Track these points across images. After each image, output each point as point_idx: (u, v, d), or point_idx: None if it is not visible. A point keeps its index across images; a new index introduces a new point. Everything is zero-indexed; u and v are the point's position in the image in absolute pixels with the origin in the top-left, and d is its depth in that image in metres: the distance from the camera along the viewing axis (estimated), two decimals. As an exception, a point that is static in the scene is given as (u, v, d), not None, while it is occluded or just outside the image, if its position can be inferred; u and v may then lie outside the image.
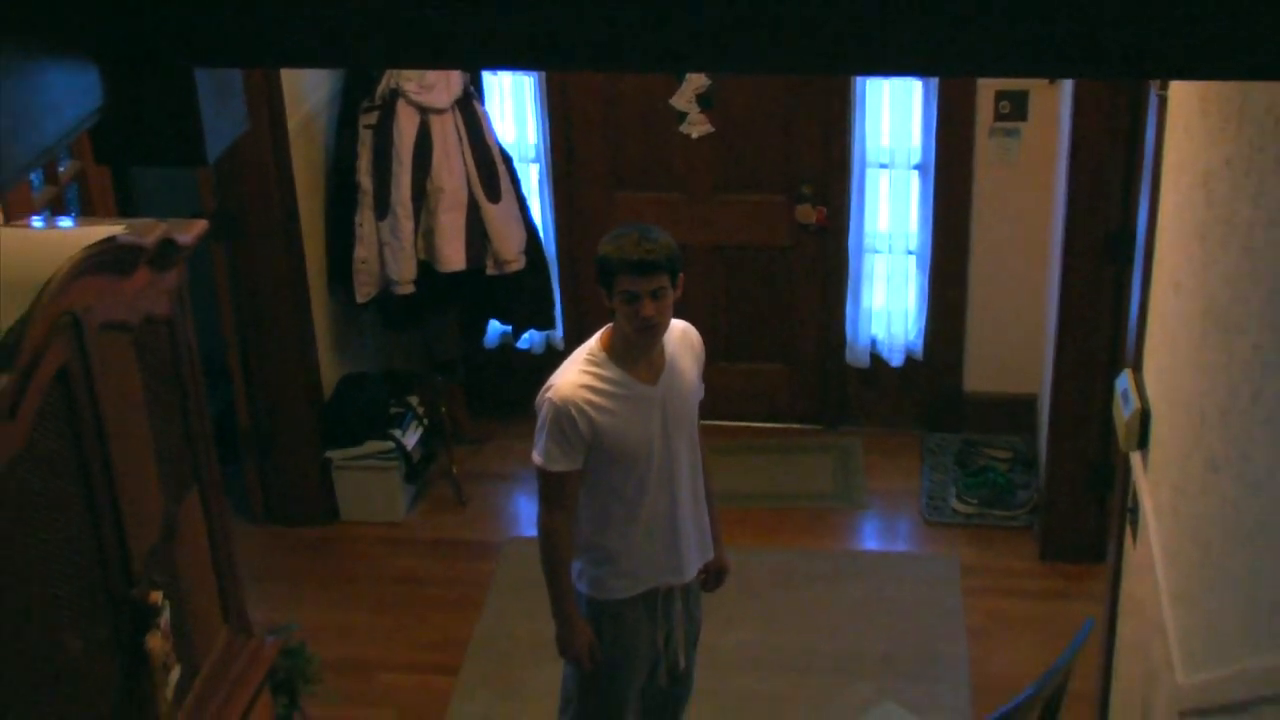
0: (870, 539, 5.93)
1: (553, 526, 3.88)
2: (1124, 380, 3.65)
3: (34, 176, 3.96)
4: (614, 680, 4.03)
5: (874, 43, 1.66)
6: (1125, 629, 3.75)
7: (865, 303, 6.30)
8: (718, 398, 6.17)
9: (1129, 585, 3.70)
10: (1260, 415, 2.36)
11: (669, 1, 1.65)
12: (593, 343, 3.86)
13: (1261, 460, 2.35)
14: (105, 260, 2.86)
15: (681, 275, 3.79)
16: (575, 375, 3.80)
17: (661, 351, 3.84)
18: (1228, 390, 2.61)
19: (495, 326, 6.47)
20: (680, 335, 3.94)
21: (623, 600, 3.95)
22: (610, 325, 3.83)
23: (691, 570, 4.03)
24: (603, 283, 3.76)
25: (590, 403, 3.75)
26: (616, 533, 3.90)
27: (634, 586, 3.95)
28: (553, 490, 3.86)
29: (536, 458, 3.83)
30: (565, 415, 3.75)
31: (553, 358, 6.49)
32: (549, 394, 3.80)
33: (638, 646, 4.01)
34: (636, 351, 3.79)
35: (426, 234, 5.75)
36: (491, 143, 5.82)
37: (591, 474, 3.84)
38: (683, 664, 4.15)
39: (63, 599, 2.74)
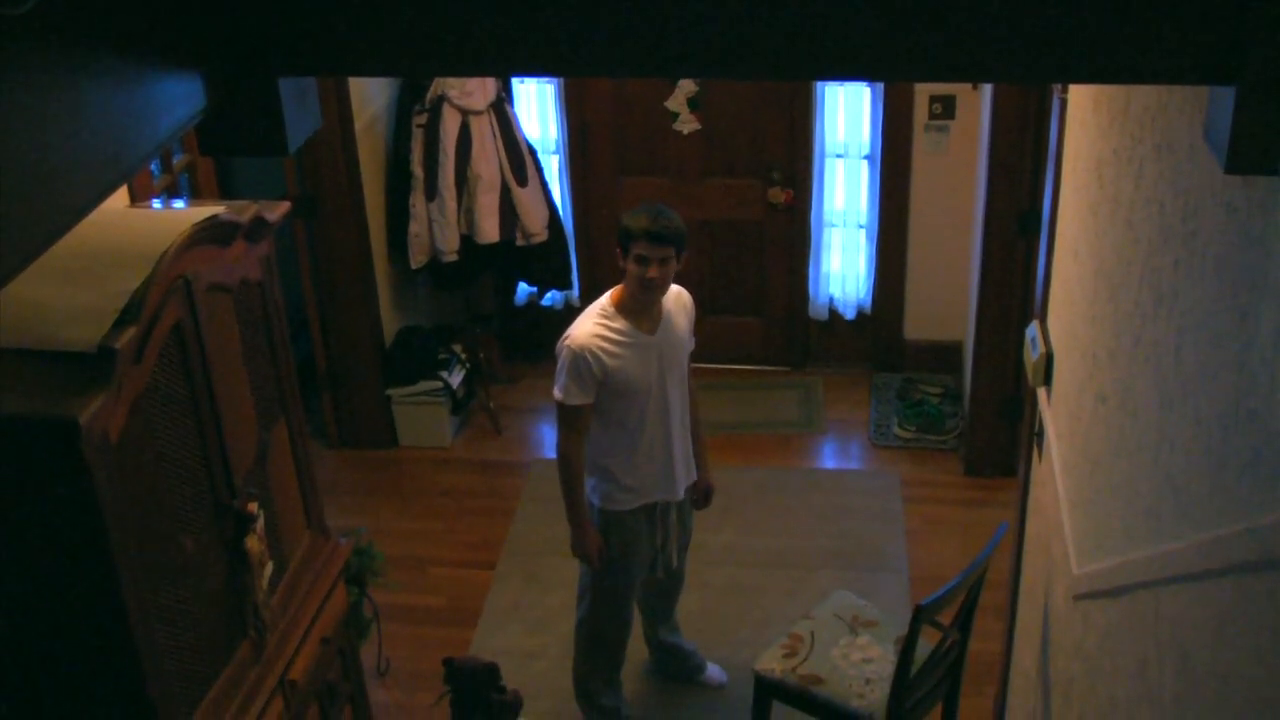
0: (828, 459, 5.95)
1: (569, 450, 3.89)
2: (1032, 329, 3.65)
3: (153, 166, 3.96)
4: (620, 574, 4.06)
5: (830, 54, 1.67)
6: (1032, 529, 3.77)
7: (824, 267, 6.30)
8: (705, 345, 6.18)
9: (1035, 494, 3.71)
10: (1140, 357, 2.37)
11: (666, 19, 1.66)
12: (604, 299, 3.85)
13: (1140, 393, 2.36)
14: (210, 234, 2.86)
15: (685, 254, 3.80)
16: (590, 326, 3.80)
17: (660, 308, 3.84)
18: (1114, 337, 2.61)
19: (524, 287, 6.47)
20: (676, 296, 3.93)
21: (626, 511, 3.96)
22: (620, 285, 3.82)
23: (680, 489, 4.04)
24: (621, 246, 3.75)
25: (601, 349, 3.76)
26: (622, 456, 3.91)
27: (635, 500, 3.96)
28: (569, 420, 3.86)
29: (557, 393, 3.84)
30: (581, 358, 3.76)
31: (571, 312, 6.48)
32: (567, 341, 3.80)
33: (639, 548, 4.04)
34: (639, 307, 3.79)
35: (467, 212, 5.75)
36: (520, 138, 5.80)
37: (601, 408, 3.85)
38: (674, 563, 4.18)
39: (179, 508, 2.76)
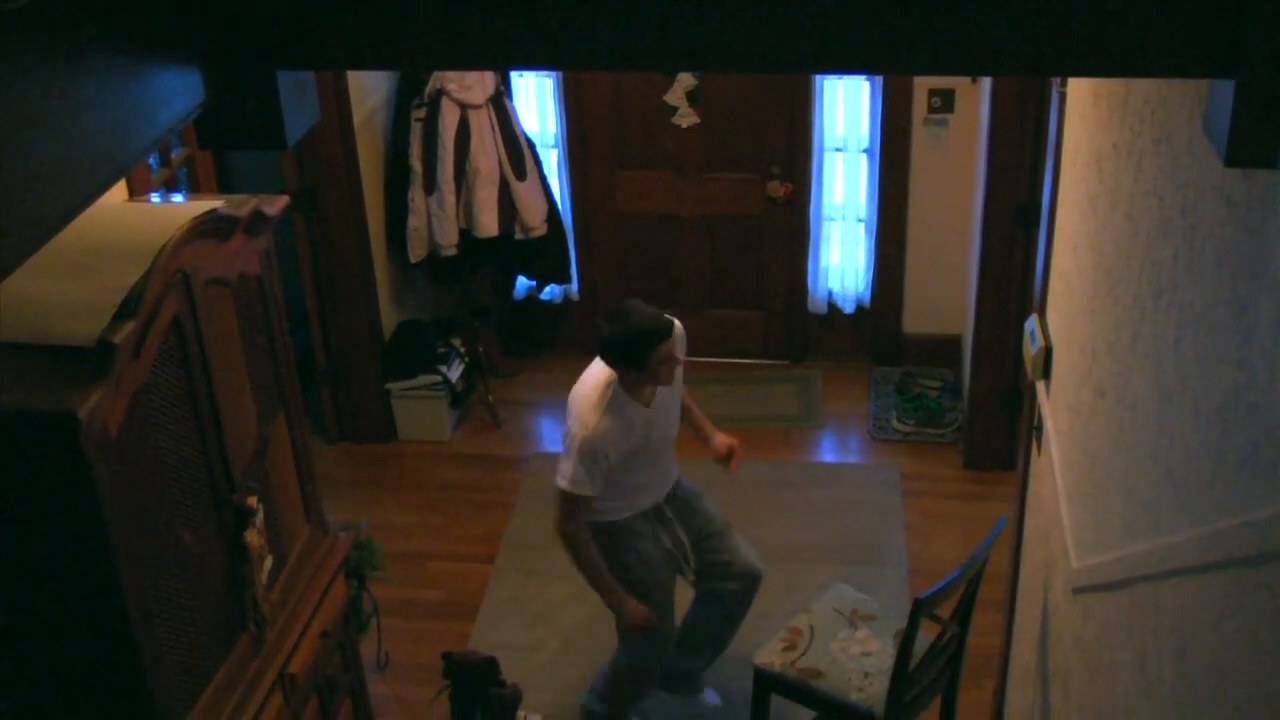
0: (827, 452, 5.95)
1: (575, 534, 3.89)
2: (1031, 323, 3.65)
3: (151, 160, 3.95)
4: (642, 570, 4.03)
5: (829, 47, 1.67)
6: (1031, 523, 3.77)
7: (823, 261, 6.29)
8: (705, 339, 6.20)
9: (1034, 488, 3.71)
10: (1139, 351, 2.37)
11: (665, 13, 1.66)
12: (607, 380, 3.80)
13: (1139, 387, 2.36)
14: (208, 228, 2.86)
15: None
16: (603, 419, 3.76)
17: (654, 392, 3.89)
18: (1113, 331, 2.61)
19: (522, 281, 6.47)
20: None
21: (628, 517, 3.99)
22: (617, 373, 3.79)
23: (658, 493, 4.07)
24: (644, 350, 3.69)
25: (613, 444, 3.77)
26: (620, 492, 3.92)
27: (633, 510, 4.00)
28: (574, 508, 3.84)
29: (562, 482, 3.80)
30: (599, 453, 3.75)
31: (569, 306, 6.51)
32: (584, 433, 3.74)
33: (647, 543, 4.04)
34: (649, 390, 3.83)
35: (466, 206, 5.74)
36: (519, 132, 5.80)
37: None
38: (691, 560, 4.14)
39: (178, 502, 2.76)
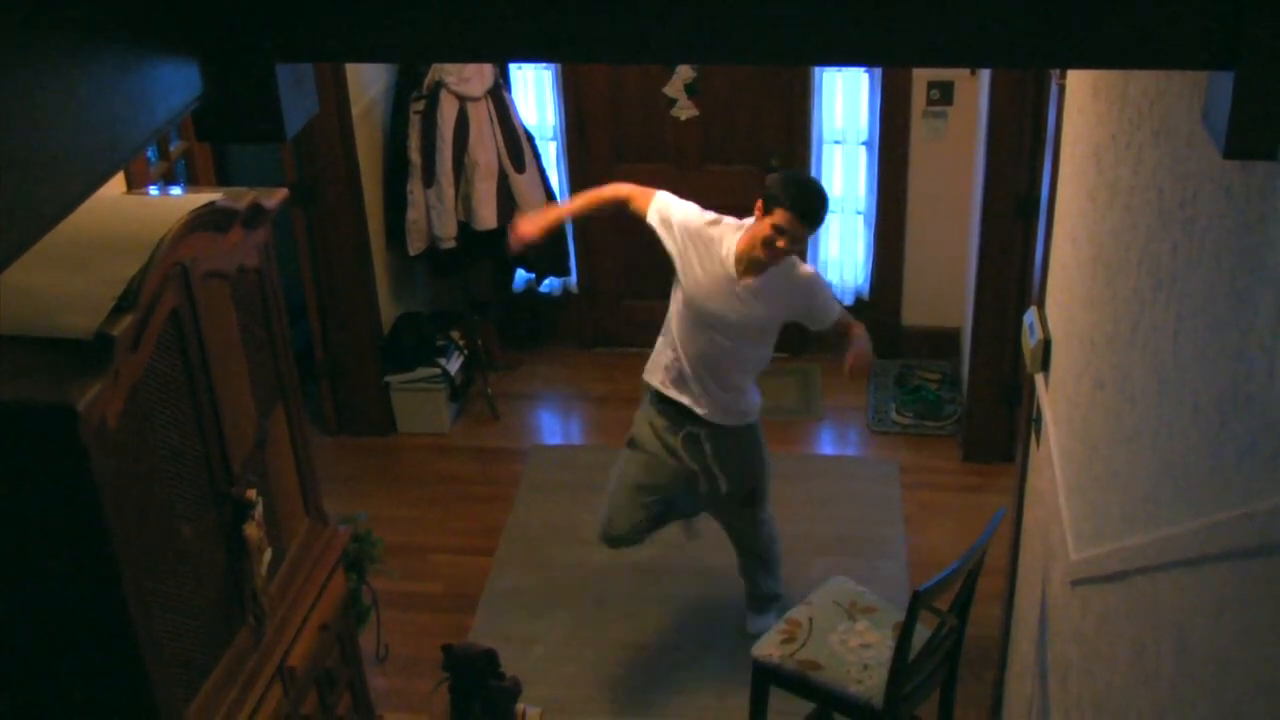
0: (827, 445, 5.95)
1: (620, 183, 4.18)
2: (1030, 315, 3.65)
3: (150, 153, 3.95)
4: (630, 450, 4.26)
5: (828, 39, 1.66)
6: (1030, 516, 3.77)
7: (823, 254, 6.29)
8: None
9: (1033, 481, 3.71)
10: (1138, 343, 2.37)
11: (665, 6, 1.65)
12: (736, 224, 3.94)
13: (1138, 379, 2.36)
14: (207, 221, 2.86)
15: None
16: (694, 210, 3.99)
17: (763, 275, 3.87)
18: (1112, 322, 2.61)
19: (521, 274, 6.47)
20: (793, 277, 3.93)
21: (652, 387, 4.15)
22: (751, 224, 3.89)
23: (698, 410, 4.07)
24: (766, 201, 3.80)
25: (696, 238, 3.93)
26: (669, 336, 4.08)
27: (659, 382, 4.11)
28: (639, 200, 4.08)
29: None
30: (669, 208, 3.98)
31: (569, 299, 6.51)
32: (670, 195, 4.06)
33: (645, 433, 4.20)
34: (750, 257, 3.86)
35: (465, 199, 5.74)
36: (517, 124, 5.80)
37: (677, 281, 4.01)
38: (704, 484, 4.22)
39: (177, 494, 2.76)
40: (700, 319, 3.97)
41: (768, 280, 3.89)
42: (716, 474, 4.18)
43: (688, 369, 4.03)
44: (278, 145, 5.19)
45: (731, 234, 3.91)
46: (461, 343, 6.07)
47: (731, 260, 3.88)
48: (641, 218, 4.04)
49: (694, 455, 4.16)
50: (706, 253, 3.91)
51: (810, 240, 6.21)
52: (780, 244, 3.76)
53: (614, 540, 4.38)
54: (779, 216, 3.75)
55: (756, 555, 4.55)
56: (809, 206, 3.75)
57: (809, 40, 1.66)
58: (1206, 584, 1.83)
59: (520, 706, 4.15)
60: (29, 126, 1.32)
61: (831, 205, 3.80)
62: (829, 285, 3.98)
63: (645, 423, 4.22)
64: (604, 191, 4.14)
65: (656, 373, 4.13)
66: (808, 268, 4.03)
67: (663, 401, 4.14)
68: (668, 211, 3.99)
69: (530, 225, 4.09)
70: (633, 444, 4.26)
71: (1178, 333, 2.07)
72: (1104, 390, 2.69)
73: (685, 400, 4.08)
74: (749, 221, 3.90)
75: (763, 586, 4.61)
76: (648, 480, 4.26)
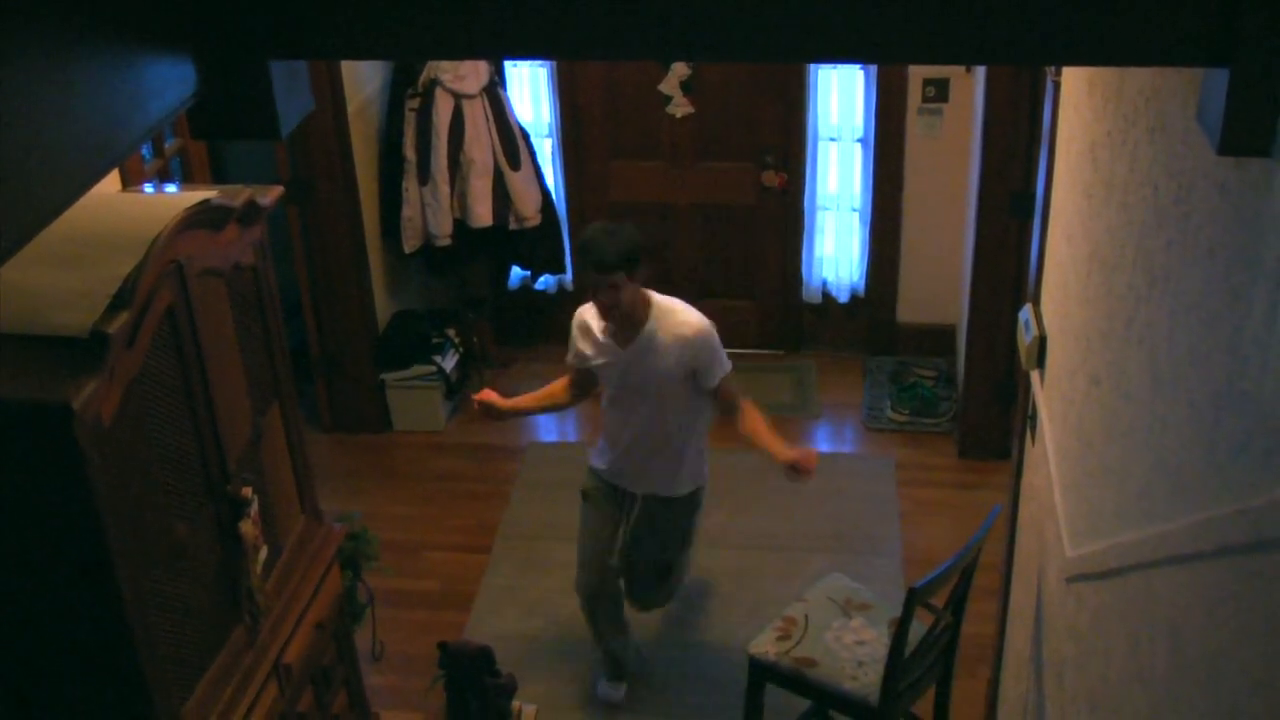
0: (822, 442, 5.95)
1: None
2: (1026, 312, 3.65)
3: (145, 150, 3.95)
4: (582, 515, 4.29)
5: (823, 36, 1.66)
6: (1025, 512, 3.77)
7: (818, 251, 6.30)
8: (698, 329, 6.19)
9: (1028, 477, 3.72)
10: (1133, 339, 2.37)
11: (661, 3, 1.65)
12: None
13: (1133, 375, 2.36)
14: (202, 218, 2.86)
15: (638, 271, 3.82)
16: (581, 309, 4.08)
17: (638, 330, 3.91)
18: (1107, 319, 2.61)
19: (517, 271, 6.47)
20: (677, 329, 3.91)
21: (595, 468, 4.24)
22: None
23: (634, 485, 4.15)
24: (578, 257, 4.03)
25: (583, 325, 4.05)
26: (603, 425, 4.20)
27: (602, 466, 4.20)
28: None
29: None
30: (576, 326, 4.07)
31: (564, 297, 6.51)
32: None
33: (593, 501, 4.24)
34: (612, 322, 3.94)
35: (460, 196, 5.74)
36: (513, 121, 5.80)
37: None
38: (615, 558, 4.23)
39: (173, 492, 2.76)
40: (617, 395, 4.05)
41: (648, 336, 3.91)
42: (641, 537, 4.20)
43: (631, 454, 4.10)
44: (273, 143, 5.22)
45: (592, 312, 4.01)
46: (457, 340, 6.07)
47: (603, 334, 3.98)
48: (572, 377, 4.20)
49: (624, 510, 4.22)
50: (591, 337, 4.02)
51: (806, 238, 6.22)
52: (602, 299, 3.83)
53: (589, 596, 4.31)
54: (588, 276, 3.85)
55: (646, 608, 4.53)
56: (592, 255, 3.78)
57: (804, 37, 1.66)
58: (1201, 580, 1.83)
59: (516, 703, 4.15)
60: (23, 124, 1.32)
61: (615, 243, 3.79)
62: (716, 348, 3.95)
63: (585, 494, 4.29)
64: (544, 390, 4.30)
65: (600, 461, 4.23)
66: (696, 321, 3.94)
67: (610, 486, 4.24)
68: (572, 352, 4.12)
69: (497, 400, 4.19)
70: (585, 496, 4.29)
71: (1172, 329, 2.08)
72: (1099, 387, 2.69)
73: (624, 485, 4.19)
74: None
75: (630, 655, 4.52)
76: (604, 529, 4.24)
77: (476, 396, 4.20)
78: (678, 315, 3.92)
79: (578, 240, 3.96)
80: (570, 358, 4.10)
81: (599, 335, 3.97)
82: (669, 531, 4.23)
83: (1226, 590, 1.70)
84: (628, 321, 3.89)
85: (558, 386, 4.22)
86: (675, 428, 4.04)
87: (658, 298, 3.95)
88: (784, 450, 3.95)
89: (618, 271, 3.76)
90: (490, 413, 4.17)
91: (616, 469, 4.15)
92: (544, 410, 4.31)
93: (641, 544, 4.22)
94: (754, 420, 4.00)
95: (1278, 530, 1.49)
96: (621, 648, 4.44)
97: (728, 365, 3.98)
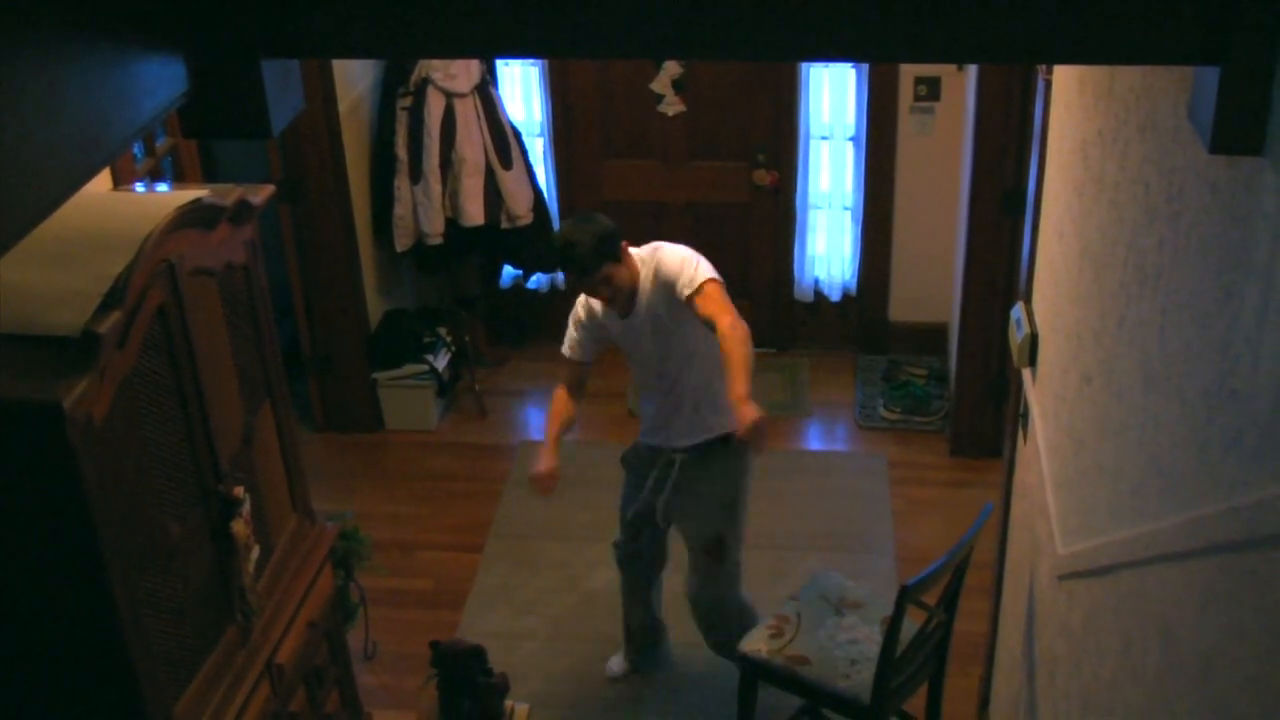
0: (814, 441, 5.95)
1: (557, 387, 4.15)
2: (1017, 310, 3.65)
3: (136, 149, 3.94)
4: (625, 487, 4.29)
5: (815, 35, 1.67)
6: (1017, 510, 3.78)
7: (810, 249, 6.30)
8: (690, 327, 6.20)
9: (1020, 475, 3.72)
10: (1124, 337, 2.38)
11: (652, 2, 1.65)
12: None
13: (1125, 373, 2.36)
14: (194, 218, 2.85)
15: (614, 264, 3.77)
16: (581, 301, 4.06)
17: (631, 298, 3.88)
18: (1099, 317, 2.62)
19: (509, 270, 6.46)
20: (651, 274, 3.84)
21: (637, 441, 4.22)
22: None
23: (672, 440, 4.03)
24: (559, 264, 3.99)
25: (577, 308, 4.05)
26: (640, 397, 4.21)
27: (642, 435, 4.17)
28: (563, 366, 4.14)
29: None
30: (577, 309, 4.03)
31: (556, 295, 6.50)
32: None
33: (628, 475, 4.24)
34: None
35: (452, 195, 5.73)
36: (504, 120, 5.79)
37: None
38: (660, 514, 4.15)
39: (165, 492, 2.75)
40: (634, 359, 4.05)
41: (642, 295, 3.87)
42: (684, 505, 4.11)
43: (661, 412, 4.04)
44: (264, 142, 5.21)
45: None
46: (449, 339, 6.06)
47: (604, 307, 3.95)
48: (567, 381, 4.12)
49: (659, 484, 4.11)
50: (598, 319, 4.00)
51: (797, 236, 6.22)
52: (601, 295, 3.84)
53: (620, 557, 4.37)
54: (572, 281, 3.89)
55: (699, 614, 4.32)
56: (566, 267, 3.83)
57: (796, 36, 1.66)
58: (1192, 578, 1.84)
59: (508, 703, 4.15)
60: (13, 122, 1.31)
61: (575, 244, 3.74)
62: (683, 263, 3.77)
63: (633, 446, 4.27)
64: (555, 413, 4.12)
65: (642, 432, 4.20)
66: (667, 251, 3.84)
67: (650, 448, 4.17)
68: (575, 338, 4.07)
69: (548, 463, 4.00)
70: (623, 461, 4.30)
71: (1164, 327, 2.08)
72: (1091, 385, 2.69)
73: (661, 443, 4.09)
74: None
75: (642, 637, 4.52)
76: (637, 489, 4.22)
77: (537, 475, 4.00)
78: (655, 258, 3.84)
79: (552, 249, 3.93)
80: (568, 349, 4.06)
81: (600, 315, 3.97)
82: (711, 492, 4.07)
83: (1218, 588, 1.71)
84: (621, 305, 3.90)
85: (560, 405, 4.10)
86: (691, 372, 3.94)
87: (640, 253, 3.87)
88: (740, 394, 3.52)
89: (603, 267, 3.74)
90: (551, 480, 4.01)
91: (652, 430, 4.11)
92: (568, 429, 4.12)
93: (687, 514, 4.13)
94: (726, 347, 3.63)
95: (1269, 528, 1.49)
96: (638, 623, 4.47)
97: (699, 278, 3.71)
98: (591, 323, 4.00)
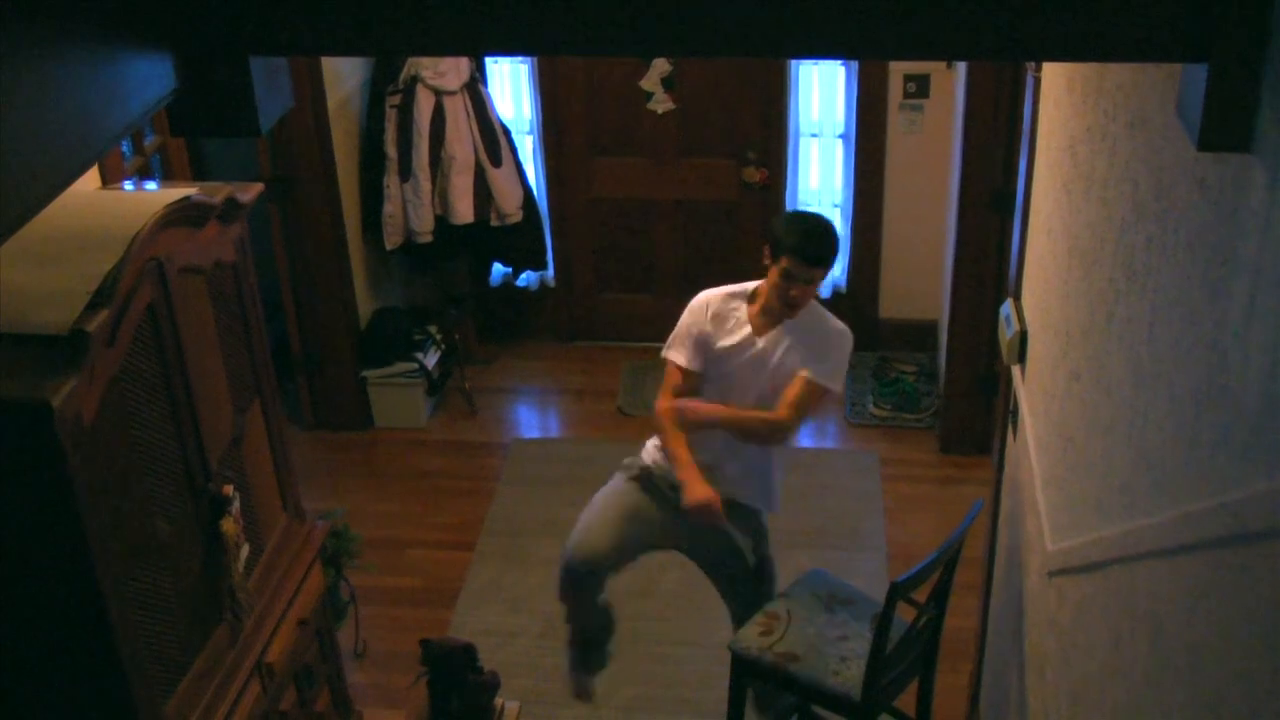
0: (804, 437, 5.94)
1: (660, 411, 3.70)
2: (1007, 307, 3.66)
3: (124, 147, 3.93)
4: (617, 492, 3.92)
5: (804, 31, 1.67)
6: (1006, 507, 3.79)
7: (799, 247, 6.30)
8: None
9: (1010, 472, 3.73)
10: (1113, 334, 2.38)
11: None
12: (750, 284, 3.72)
13: (1114, 370, 2.37)
14: (182, 216, 2.85)
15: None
16: (721, 290, 3.74)
17: (780, 319, 3.65)
18: (1088, 314, 2.62)
19: (498, 268, 6.46)
20: (819, 325, 3.67)
21: (659, 471, 3.83)
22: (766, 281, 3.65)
23: (715, 485, 3.70)
24: (772, 248, 3.56)
25: (707, 321, 3.69)
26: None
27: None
28: (667, 378, 3.73)
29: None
30: (695, 311, 3.72)
31: (546, 292, 6.51)
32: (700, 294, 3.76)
33: (639, 496, 3.88)
34: (769, 310, 3.65)
35: (442, 193, 5.73)
36: (494, 118, 5.79)
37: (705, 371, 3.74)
38: (624, 562, 3.95)
39: (154, 491, 2.75)
40: (725, 384, 3.69)
41: (790, 326, 3.65)
42: (714, 550, 3.86)
43: (718, 451, 3.70)
44: (253, 140, 5.20)
45: (739, 296, 3.72)
46: (439, 337, 6.06)
47: (747, 323, 3.67)
48: (700, 380, 3.72)
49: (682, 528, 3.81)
50: (722, 318, 3.70)
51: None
52: (794, 292, 3.54)
53: (583, 562, 3.91)
54: (787, 262, 3.51)
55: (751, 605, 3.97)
56: (814, 248, 3.51)
57: (785, 32, 1.66)
58: (1182, 574, 1.84)
59: (499, 700, 4.14)
60: (0, 120, 1.31)
61: (837, 239, 3.59)
62: (844, 358, 3.68)
63: (663, 480, 3.81)
64: (668, 428, 3.69)
65: (655, 455, 3.83)
66: (839, 323, 3.72)
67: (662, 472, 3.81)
68: (684, 345, 3.72)
69: (706, 490, 3.62)
70: (638, 479, 3.88)
71: (1153, 324, 2.08)
72: (1080, 382, 2.70)
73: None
74: (751, 286, 3.72)
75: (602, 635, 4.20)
76: (640, 513, 3.89)
77: (702, 504, 3.60)
78: (824, 313, 3.71)
79: (788, 222, 3.57)
80: (686, 359, 3.69)
81: (742, 317, 3.66)
82: (739, 536, 3.85)
83: (1207, 583, 1.71)
84: (780, 313, 3.64)
85: (674, 423, 3.69)
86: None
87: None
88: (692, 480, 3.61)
89: (827, 268, 3.58)
90: (718, 504, 3.62)
91: (700, 465, 3.70)
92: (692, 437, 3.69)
93: (720, 558, 3.88)
94: (762, 413, 3.63)
95: (1258, 523, 1.50)
96: (594, 624, 4.16)
97: (830, 383, 3.64)
98: (703, 337, 3.69)
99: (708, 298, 3.74)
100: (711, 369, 3.70)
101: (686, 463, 3.65)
